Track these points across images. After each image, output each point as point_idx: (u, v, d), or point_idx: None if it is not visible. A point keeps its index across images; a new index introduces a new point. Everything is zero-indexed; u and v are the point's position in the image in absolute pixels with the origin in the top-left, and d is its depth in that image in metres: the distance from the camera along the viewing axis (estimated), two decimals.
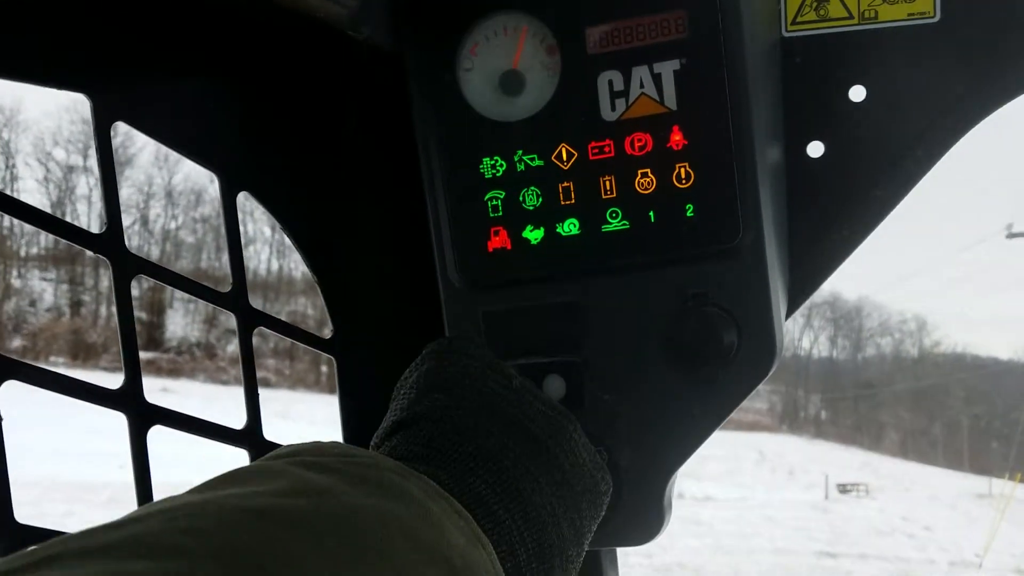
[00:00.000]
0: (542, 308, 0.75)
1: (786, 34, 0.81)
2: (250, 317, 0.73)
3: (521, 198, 0.74)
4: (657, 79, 0.70)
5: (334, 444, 0.51)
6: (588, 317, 0.74)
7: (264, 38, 0.74)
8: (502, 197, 0.74)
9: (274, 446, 0.74)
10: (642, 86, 0.71)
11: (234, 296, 0.72)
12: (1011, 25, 0.76)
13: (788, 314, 0.82)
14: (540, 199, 0.73)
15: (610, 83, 0.71)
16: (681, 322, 0.72)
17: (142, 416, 0.64)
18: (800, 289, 0.82)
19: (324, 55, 0.77)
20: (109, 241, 0.63)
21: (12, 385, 0.56)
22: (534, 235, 0.74)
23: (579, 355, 0.74)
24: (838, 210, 0.80)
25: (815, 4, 0.80)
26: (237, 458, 0.71)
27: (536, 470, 0.58)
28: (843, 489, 31.22)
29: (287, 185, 0.78)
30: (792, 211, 0.80)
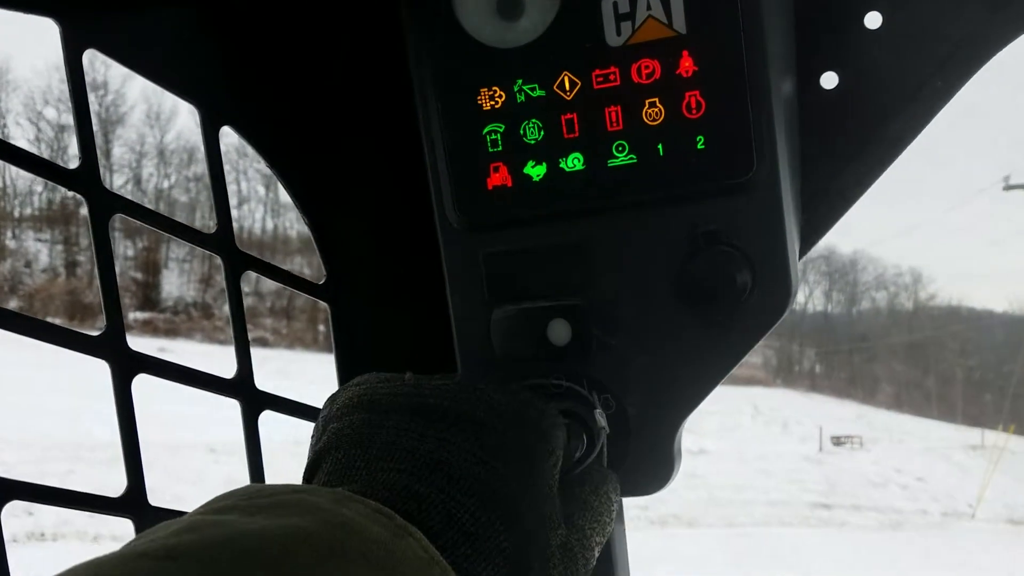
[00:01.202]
0: (545, 248, 0.71)
1: None
2: (238, 260, 0.69)
3: (522, 131, 0.69)
4: (665, 0, 0.66)
5: (269, 486, 0.48)
6: (594, 257, 0.71)
7: None
8: (501, 130, 0.70)
9: (264, 395, 0.71)
10: (649, 8, 0.66)
11: (219, 237, 0.68)
12: None
13: (801, 254, 0.79)
14: (542, 132, 0.69)
15: (615, 5, 0.67)
16: (692, 261, 0.68)
17: (126, 364, 0.61)
18: (813, 228, 0.78)
19: None
20: (84, 177, 0.59)
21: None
22: (536, 171, 0.70)
23: (585, 298, 0.71)
24: (853, 145, 0.76)
25: None
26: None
27: (451, 436, 0.54)
28: (837, 441, 31.52)
29: (274, 120, 0.73)
30: (804, 145, 0.77)
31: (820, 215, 0.78)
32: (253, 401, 0.69)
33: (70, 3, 0.59)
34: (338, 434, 0.55)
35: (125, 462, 0.62)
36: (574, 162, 0.69)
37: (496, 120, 0.70)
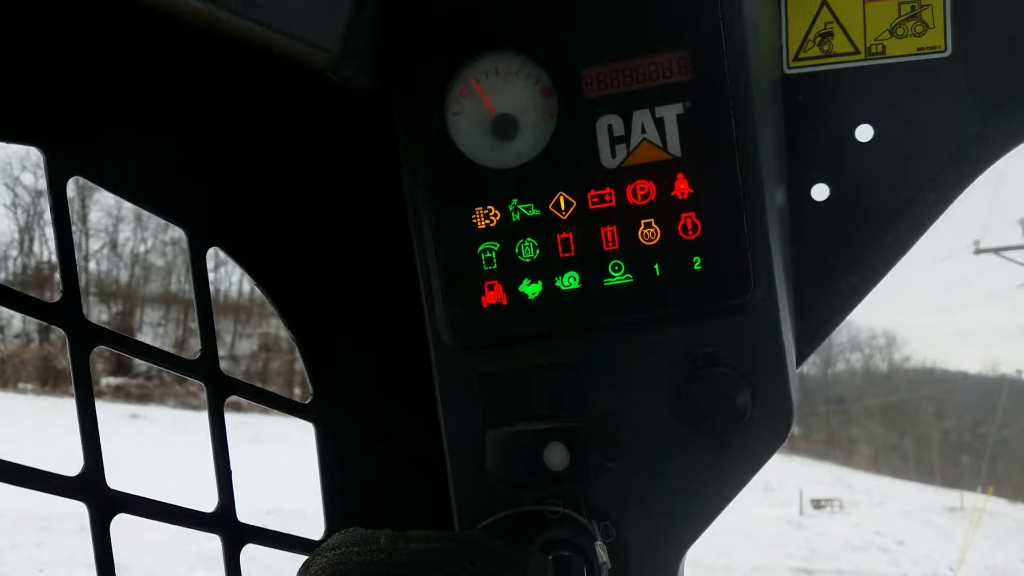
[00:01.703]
0: (541, 368, 0.70)
1: (788, 71, 0.76)
2: (223, 386, 0.67)
3: (517, 250, 0.68)
4: (659, 124, 0.66)
5: None
6: (590, 378, 0.69)
7: (234, 80, 0.69)
8: (496, 249, 0.69)
9: (249, 528, 0.67)
10: (644, 131, 0.66)
11: (205, 363, 0.66)
12: None
13: (796, 365, 0.77)
14: (537, 251, 0.68)
15: (610, 128, 0.66)
16: (691, 384, 0.67)
17: (105, 505, 0.58)
18: (808, 339, 0.77)
19: (299, 97, 0.72)
20: (66, 311, 0.57)
21: None
22: (531, 289, 0.68)
23: (582, 419, 0.69)
24: (846, 257, 0.76)
25: (818, 39, 0.76)
26: None
27: None
28: (817, 504, 31.32)
29: (261, 238, 0.72)
30: (798, 257, 0.76)
31: (815, 326, 0.77)
32: (235, 535, 0.66)
33: (54, 132, 0.57)
34: None
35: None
36: (570, 281, 0.68)
37: (491, 239, 0.69)
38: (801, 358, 0.77)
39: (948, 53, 0.73)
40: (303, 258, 0.74)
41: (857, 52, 0.75)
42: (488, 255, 0.69)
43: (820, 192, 0.77)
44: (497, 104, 0.68)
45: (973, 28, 0.72)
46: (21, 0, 0.55)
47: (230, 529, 0.65)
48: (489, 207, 0.68)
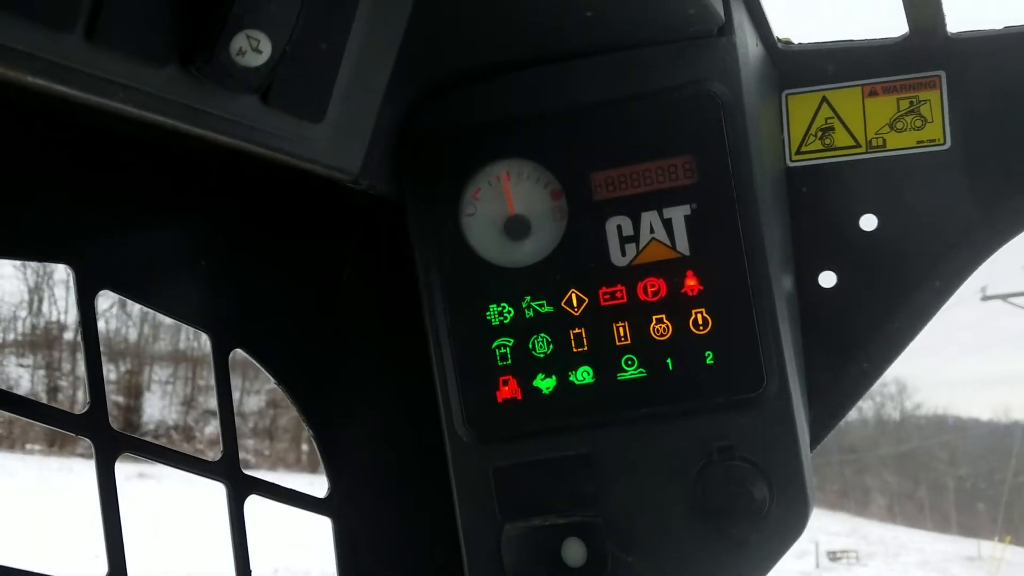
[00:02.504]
0: (556, 462, 0.70)
1: (791, 164, 0.78)
2: (242, 486, 0.68)
3: (531, 345, 0.70)
4: (667, 224, 0.68)
5: None
6: (606, 472, 0.70)
7: (259, 189, 0.71)
8: (511, 345, 0.70)
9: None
10: (652, 231, 0.68)
11: (225, 464, 0.67)
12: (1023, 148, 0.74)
13: (811, 450, 0.78)
14: (551, 346, 0.70)
15: (619, 228, 0.68)
16: (707, 477, 0.68)
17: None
18: (822, 425, 0.78)
19: (321, 204, 0.74)
20: (92, 422, 0.59)
21: None
22: (546, 384, 0.70)
23: (598, 513, 0.69)
24: (856, 342, 0.77)
25: (820, 133, 0.78)
26: None
27: None
28: (833, 556, 30.79)
29: (282, 338, 0.73)
30: (808, 343, 0.77)
31: (828, 411, 0.78)
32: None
33: (83, 249, 0.59)
34: None
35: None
36: (584, 375, 0.69)
37: (505, 335, 0.70)
38: (815, 442, 0.78)
39: (947, 146, 0.75)
40: (322, 357, 0.76)
41: (858, 146, 0.77)
42: (503, 351, 0.70)
43: (827, 279, 0.78)
44: (508, 206, 0.70)
45: (971, 123, 0.74)
46: (51, 128, 0.57)
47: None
48: (503, 304, 0.70)
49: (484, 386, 0.70)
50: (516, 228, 0.70)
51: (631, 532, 0.69)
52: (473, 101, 0.70)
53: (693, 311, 0.68)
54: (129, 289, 0.62)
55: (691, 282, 0.68)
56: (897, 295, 0.76)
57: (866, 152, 0.78)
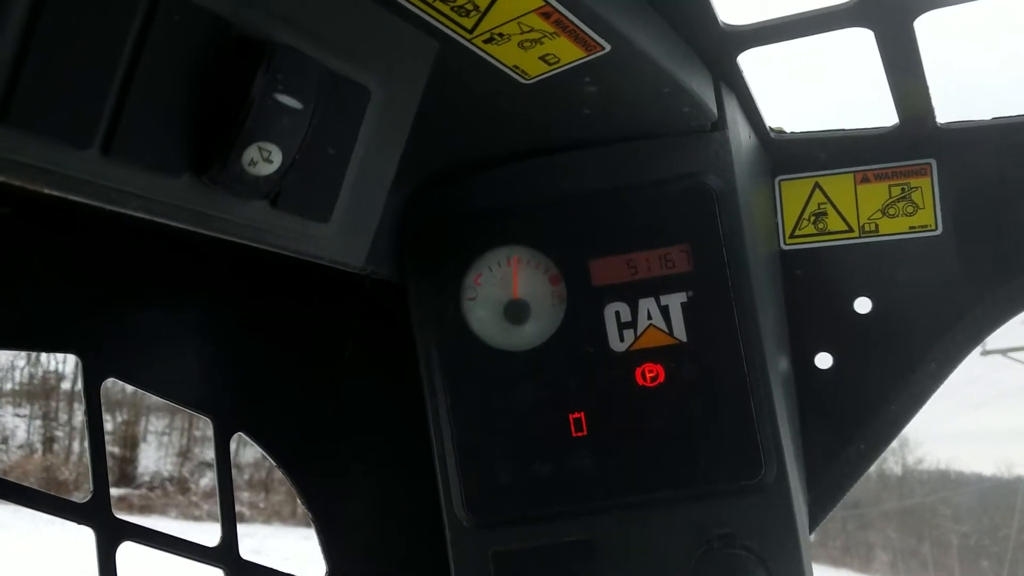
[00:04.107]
0: (556, 548, 0.71)
1: (784, 247, 0.80)
2: (242, 573, 0.68)
3: (530, 430, 0.70)
4: (664, 311, 0.69)
5: None
6: (606, 558, 0.70)
7: (260, 276, 0.72)
8: (510, 429, 0.71)
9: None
10: (650, 317, 0.69)
11: (223, 550, 0.67)
12: (1014, 234, 0.75)
13: (809, 532, 0.78)
14: (550, 431, 0.70)
15: (617, 314, 0.69)
16: (707, 565, 0.68)
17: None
18: (820, 506, 0.78)
19: (324, 289, 0.75)
20: (94, 509, 0.59)
21: None
22: (545, 469, 0.70)
23: None
24: (852, 424, 0.77)
25: (813, 218, 0.80)
26: None
27: None
28: None
29: (283, 421, 0.74)
30: (804, 424, 0.78)
31: (825, 493, 0.78)
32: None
33: (91, 338, 0.60)
34: None
35: None
36: (583, 460, 0.70)
37: (505, 418, 0.71)
38: (814, 525, 0.78)
39: (939, 232, 0.76)
40: (322, 438, 0.76)
41: (851, 230, 0.79)
42: (502, 435, 0.71)
43: (824, 360, 0.79)
44: (510, 290, 0.71)
45: (962, 209, 0.75)
46: (55, 217, 0.59)
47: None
48: (503, 388, 0.71)
49: (484, 470, 0.71)
50: (516, 312, 0.71)
51: None
52: (474, 190, 0.72)
53: (691, 397, 0.68)
54: (134, 377, 0.63)
55: (688, 368, 0.69)
56: (893, 377, 0.77)
57: (859, 236, 0.79)
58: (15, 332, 0.57)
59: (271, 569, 0.70)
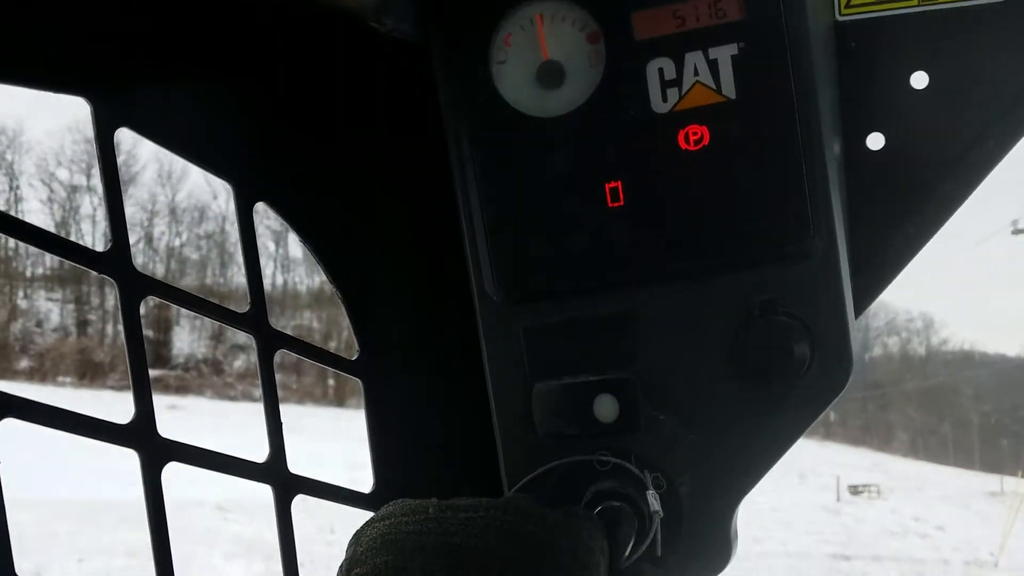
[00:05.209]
0: (590, 321, 0.68)
1: (840, 18, 0.74)
2: (271, 339, 0.66)
3: (564, 200, 0.67)
4: (713, 65, 0.64)
5: None
6: (641, 329, 0.67)
7: (281, 33, 0.68)
8: (543, 198, 0.67)
9: (299, 479, 0.67)
10: (696, 73, 0.64)
11: (254, 316, 0.65)
12: None
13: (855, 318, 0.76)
14: (585, 200, 0.66)
15: (660, 71, 0.65)
16: (748, 333, 0.65)
17: (156, 452, 0.58)
18: (866, 292, 0.75)
19: (345, 50, 0.71)
20: (115, 260, 0.57)
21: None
22: (579, 240, 0.67)
23: (632, 371, 0.67)
24: (903, 206, 0.73)
25: None
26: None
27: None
28: (855, 491, 31.03)
29: (307, 194, 0.71)
30: (854, 208, 0.74)
31: (871, 279, 0.75)
32: (287, 486, 0.66)
33: (102, 82, 0.57)
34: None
35: (154, 552, 0.59)
36: (619, 230, 0.66)
37: (537, 189, 0.67)
38: (859, 310, 0.75)
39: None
40: (348, 215, 0.73)
41: None
42: (534, 206, 0.67)
43: (876, 141, 0.75)
44: (541, 51, 0.66)
45: None
46: None
47: (281, 479, 0.65)
48: (535, 156, 0.67)
49: (515, 243, 0.68)
50: (550, 75, 0.66)
51: (666, 390, 0.66)
52: None
53: (737, 159, 0.64)
54: (150, 129, 0.60)
55: (736, 128, 0.64)
56: (948, 156, 0.72)
57: (919, 5, 0.73)
58: (19, 68, 0.53)
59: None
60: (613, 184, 0.66)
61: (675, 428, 0.67)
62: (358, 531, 0.57)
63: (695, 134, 0.65)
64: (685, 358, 0.66)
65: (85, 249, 0.56)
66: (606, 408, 0.67)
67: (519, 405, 0.69)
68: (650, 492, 0.64)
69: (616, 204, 0.66)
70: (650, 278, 0.67)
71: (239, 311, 0.65)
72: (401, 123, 0.74)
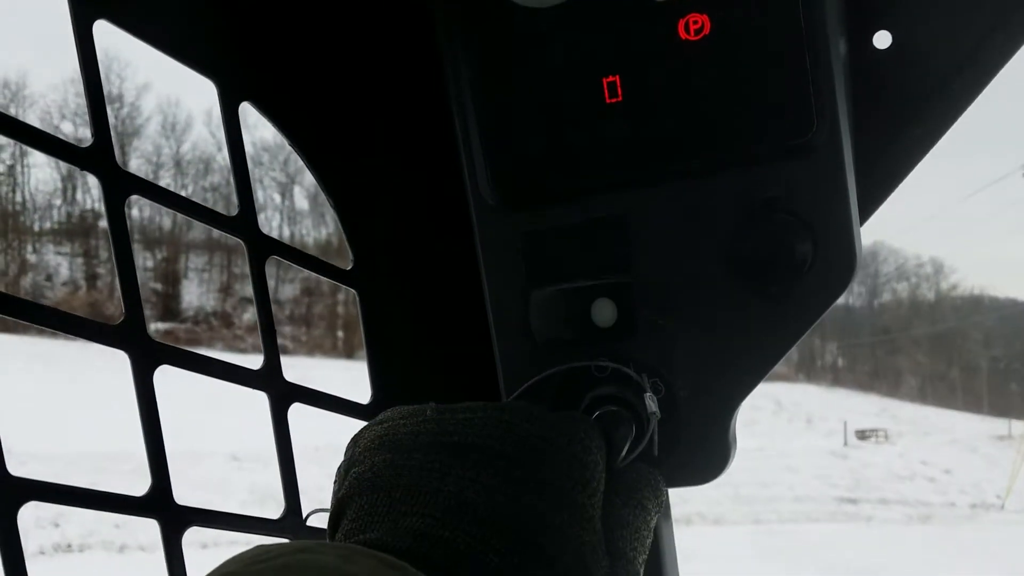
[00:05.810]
0: (587, 224, 0.66)
1: None
2: (262, 245, 0.65)
3: (560, 95, 0.64)
4: None
5: (276, 547, 0.44)
6: (640, 232, 0.65)
7: None
8: (538, 95, 0.65)
9: (294, 387, 0.67)
10: None
11: (242, 220, 0.64)
12: None
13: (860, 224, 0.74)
14: (582, 96, 0.64)
15: None
16: (748, 232, 0.63)
17: (145, 355, 0.57)
18: (870, 197, 0.73)
19: None
20: (98, 157, 0.56)
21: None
22: (576, 139, 0.65)
23: (631, 275, 0.66)
24: (910, 107, 0.71)
25: None
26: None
27: (477, 473, 0.50)
28: (862, 435, 31.25)
29: (296, 96, 0.69)
30: (859, 109, 0.72)
31: (876, 183, 0.73)
32: (282, 394, 0.65)
33: None
34: (360, 479, 0.52)
35: (149, 460, 0.58)
36: (617, 129, 0.64)
37: (532, 84, 0.65)
38: (864, 215, 0.73)
39: None
40: (338, 116, 0.71)
41: None
42: (529, 102, 0.65)
43: (882, 40, 0.72)
44: None
45: None
46: None
47: (276, 388, 0.64)
48: (529, 49, 0.64)
49: (510, 142, 0.65)
50: None
51: (664, 293, 0.65)
52: None
53: (739, 49, 0.61)
54: (132, 24, 0.58)
55: (738, 16, 0.61)
56: (956, 54, 0.69)
57: None
58: None
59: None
60: (611, 78, 0.64)
61: (674, 331, 0.65)
62: (356, 434, 0.56)
63: (695, 23, 0.62)
64: (684, 260, 0.65)
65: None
66: (604, 312, 0.66)
67: (516, 312, 0.68)
68: (647, 394, 0.63)
69: (614, 100, 0.64)
70: (648, 177, 0.65)
71: (230, 216, 0.63)
72: (393, 22, 0.72)
